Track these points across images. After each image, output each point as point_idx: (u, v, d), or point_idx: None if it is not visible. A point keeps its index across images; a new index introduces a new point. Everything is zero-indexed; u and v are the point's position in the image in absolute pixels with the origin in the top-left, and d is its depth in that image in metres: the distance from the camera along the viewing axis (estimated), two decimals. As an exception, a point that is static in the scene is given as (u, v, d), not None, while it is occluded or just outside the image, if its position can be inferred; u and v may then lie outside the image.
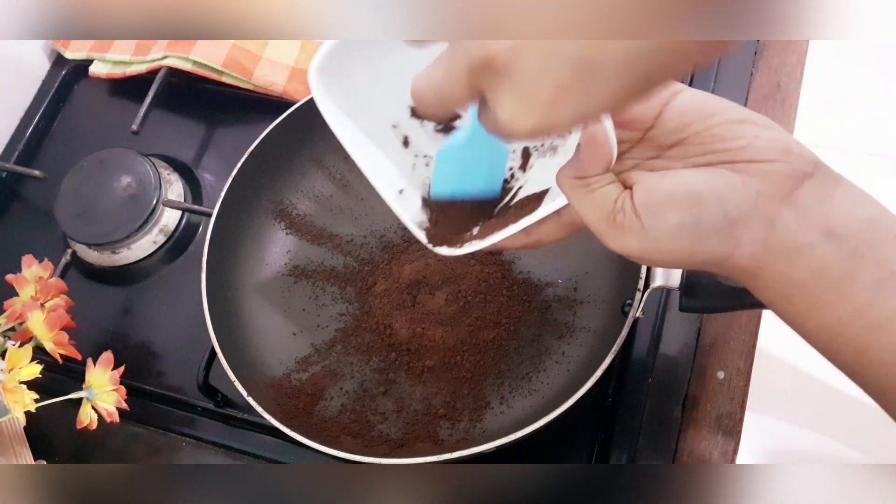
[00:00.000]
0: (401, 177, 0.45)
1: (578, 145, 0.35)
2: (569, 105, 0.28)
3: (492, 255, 0.63)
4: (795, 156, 0.33)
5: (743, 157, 0.34)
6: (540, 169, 0.42)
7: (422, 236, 0.44)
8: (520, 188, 0.43)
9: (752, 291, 0.35)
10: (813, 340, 0.34)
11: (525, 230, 0.40)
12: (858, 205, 0.33)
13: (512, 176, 0.44)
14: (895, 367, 0.32)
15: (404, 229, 0.65)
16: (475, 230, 0.43)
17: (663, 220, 0.34)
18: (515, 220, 0.40)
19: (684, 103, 0.35)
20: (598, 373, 0.49)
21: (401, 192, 0.44)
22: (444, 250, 0.43)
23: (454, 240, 0.43)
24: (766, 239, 0.33)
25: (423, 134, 0.44)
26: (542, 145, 0.42)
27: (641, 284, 0.51)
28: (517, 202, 0.42)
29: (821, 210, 0.33)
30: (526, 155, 0.43)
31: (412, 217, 0.44)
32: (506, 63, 0.28)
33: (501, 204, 0.43)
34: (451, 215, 0.44)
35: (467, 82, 0.30)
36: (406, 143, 0.45)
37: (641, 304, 0.51)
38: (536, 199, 0.40)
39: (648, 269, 0.51)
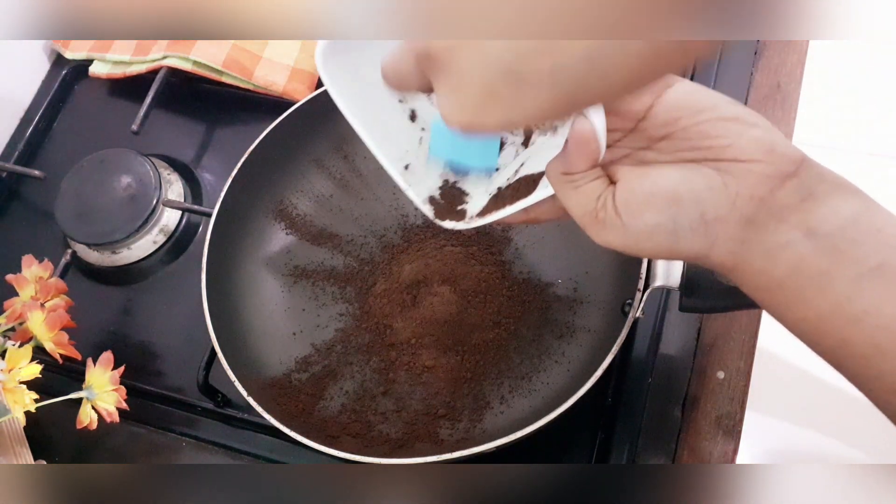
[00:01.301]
0: (407, 152, 0.45)
1: (566, 141, 0.35)
2: (497, 109, 0.29)
3: (492, 255, 0.63)
4: (778, 156, 0.33)
5: (726, 155, 0.34)
6: (541, 148, 0.43)
7: (427, 210, 0.45)
8: (522, 165, 0.43)
9: (736, 284, 0.36)
10: (795, 332, 0.35)
11: (523, 208, 0.41)
12: (841, 201, 0.33)
13: (516, 153, 0.44)
14: (875, 360, 0.32)
15: (404, 229, 0.66)
16: (477, 207, 0.44)
17: (642, 220, 0.35)
18: (513, 200, 0.41)
19: (675, 98, 0.35)
20: (598, 373, 0.49)
21: (406, 167, 0.45)
22: (448, 224, 0.44)
23: (457, 215, 0.44)
24: (743, 238, 0.34)
25: (431, 106, 0.44)
26: (543, 123, 0.43)
27: (641, 284, 0.51)
28: (516, 182, 0.42)
29: (801, 208, 0.33)
30: (528, 131, 0.44)
31: (417, 193, 0.45)
32: (443, 59, 0.29)
33: (504, 181, 0.44)
34: (455, 192, 0.45)
35: (416, 70, 0.31)
36: (413, 116, 0.45)
37: (641, 304, 0.51)
38: (533, 182, 0.41)
39: (648, 269, 0.51)
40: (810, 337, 0.34)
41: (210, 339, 0.57)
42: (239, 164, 0.63)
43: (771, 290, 0.34)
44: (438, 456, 0.51)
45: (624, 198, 0.35)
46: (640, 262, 0.52)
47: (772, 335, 0.58)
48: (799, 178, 0.33)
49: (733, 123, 0.34)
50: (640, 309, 0.51)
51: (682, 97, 0.35)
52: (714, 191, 0.34)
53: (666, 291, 0.61)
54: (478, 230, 0.64)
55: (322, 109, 0.63)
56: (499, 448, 0.50)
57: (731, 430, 0.56)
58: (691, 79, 0.68)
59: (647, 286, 0.51)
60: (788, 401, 0.57)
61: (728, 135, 0.34)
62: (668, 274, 0.51)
